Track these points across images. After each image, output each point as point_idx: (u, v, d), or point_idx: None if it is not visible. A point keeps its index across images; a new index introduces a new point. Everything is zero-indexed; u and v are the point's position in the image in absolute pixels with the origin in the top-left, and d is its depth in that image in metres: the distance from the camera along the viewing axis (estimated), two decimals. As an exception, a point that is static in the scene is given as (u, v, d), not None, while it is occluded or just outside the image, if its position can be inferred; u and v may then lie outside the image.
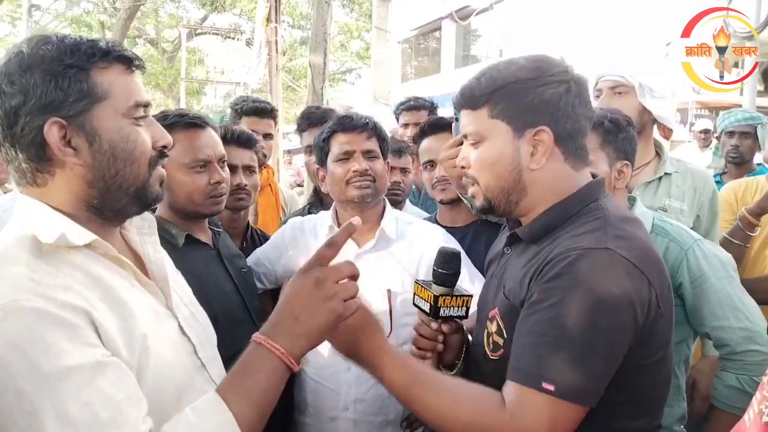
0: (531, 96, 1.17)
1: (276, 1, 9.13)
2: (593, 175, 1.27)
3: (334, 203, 1.94)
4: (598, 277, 1.08)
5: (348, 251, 1.84)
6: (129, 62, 1.02)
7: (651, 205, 2.01)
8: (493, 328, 1.25)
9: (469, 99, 1.24)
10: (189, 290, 1.24)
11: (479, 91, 1.21)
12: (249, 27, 18.40)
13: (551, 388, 1.05)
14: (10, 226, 1.00)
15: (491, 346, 1.25)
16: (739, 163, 3.40)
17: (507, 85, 1.18)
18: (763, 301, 1.81)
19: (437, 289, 1.33)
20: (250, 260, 1.99)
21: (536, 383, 1.06)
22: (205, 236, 1.77)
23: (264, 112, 2.87)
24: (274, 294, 2.09)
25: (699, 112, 11.00)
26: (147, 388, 0.93)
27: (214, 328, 1.24)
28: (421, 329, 1.37)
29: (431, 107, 3.28)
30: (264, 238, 2.26)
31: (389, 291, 1.79)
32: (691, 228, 1.92)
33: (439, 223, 2.07)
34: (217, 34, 21.83)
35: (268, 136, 2.86)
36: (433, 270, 1.35)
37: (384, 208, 1.91)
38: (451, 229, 2.00)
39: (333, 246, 1.05)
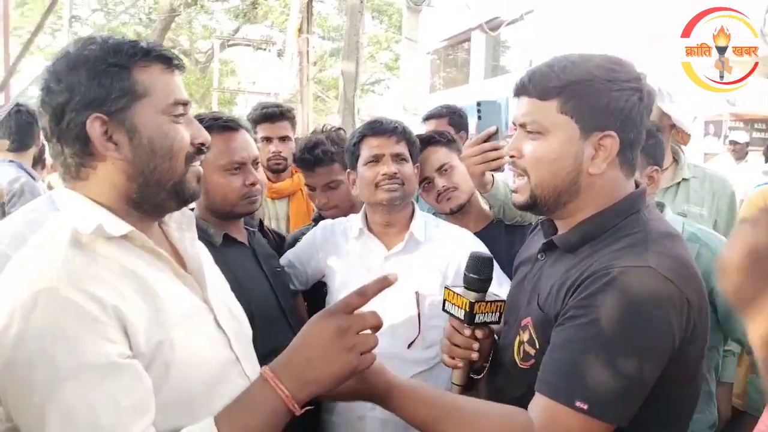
0: (605, 98, 1.12)
1: (308, 13, 9.30)
2: (636, 184, 1.23)
3: (364, 206, 1.98)
4: (639, 296, 1.04)
5: (377, 253, 1.87)
6: (169, 62, 1.05)
7: (671, 210, 2.01)
8: (525, 337, 1.21)
9: (538, 87, 1.16)
10: (227, 285, 1.26)
11: (552, 81, 1.14)
12: (280, 38, 18.68)
13: (584, 407, 1.02)
14: (54, 219, 1.04)
15: (521, 354, 1.22)
16: None
17: (582, 81, 1.12)
18: None
19: (472, 295, 1.32)
20: (282, 261, 2.03)
21: (569, 400, 1.03)
22: (241, 236, 1.82)
23: (274, 116, 2.78)
24: (305, 294, 2.12)
25: (734, 124, 10.78)
26: (174, 379, 0.96)
27: (250, 325, 1.26)
28: (455, 338, 1.33)
29: (449, 113, 3.29)
30: (277, 236, 2.30)
31: (417, 293, 1.81)
32: None
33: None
34: (249, 45, 22.17)
35: (284, 138, 2.79)
36: (465, 275, 1.34)
37: (413, 211, 1.94)
38: None
39: (363, 295, 1.04)
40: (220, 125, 1.73)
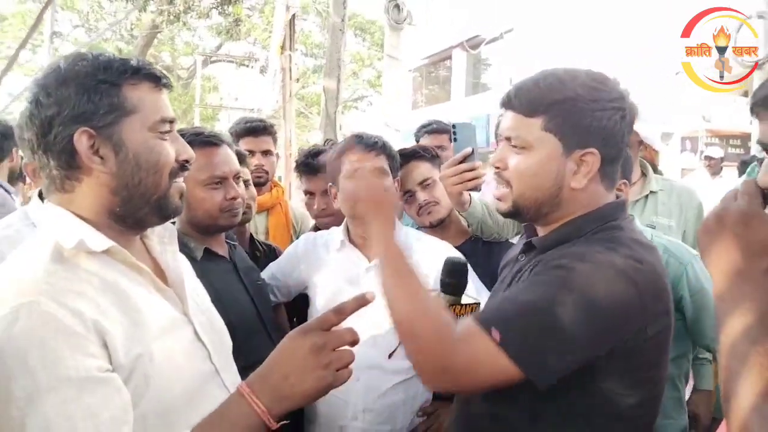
0: (588, 118, 1.16)
1: (291, 30, 9.35)
2: (617, 197, 1.28)
3: (345, 218, 2.01)
4: (595, 276, 1.09)
5: (359, 265, 1.90)
6: (157, 80, 1.08)
7: (640, 222, 2.06)
8: None
9: (524, 103, 1.21)
10: (207, 298, 1.28)
11: (538, 99, 1.19)
12: (263, 55, 18.73)
13: (497, 336, 1.06)
14: (37, 233, 1.06)
15: None
16: None
17: (567, 100, 1.17)
18: None
19: (448, 299, 1.37)
20: (265, 274, 2.05)
21: (487, 325, 1.08)
22: (222, 249, 1.84)
23: (257, 130, 2.82)
24: (288, 307, 2.14)
25: (710, 140, 11.03)
26: (153, 391, 0.97)
27: (230, 338, 1.27)
28: None
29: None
30: (267, 247, 2.33)
31: (398, 304, 1.84)
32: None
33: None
34: (232, 62, 22.21)
35: (267, 153, 2.83)
36: (441, 280, 1.39)
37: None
38: None
39: (340, 313, 1.04)
40: (202, 140, 1.75)
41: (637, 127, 2.15)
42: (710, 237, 0.87)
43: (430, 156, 2.17)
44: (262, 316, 1.82)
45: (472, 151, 1.78)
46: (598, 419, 1.14)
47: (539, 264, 1.19)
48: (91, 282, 0.97)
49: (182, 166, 1.11)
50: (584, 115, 1.16)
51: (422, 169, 2.12)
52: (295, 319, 2.21)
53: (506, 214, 1.29)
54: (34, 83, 1.04)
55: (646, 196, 2.25)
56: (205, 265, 1.71)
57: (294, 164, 2.55)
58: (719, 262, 0.84)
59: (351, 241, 1.96)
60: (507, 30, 13.77)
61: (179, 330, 1.09)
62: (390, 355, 1.80)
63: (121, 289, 1.00)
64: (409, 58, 18.10)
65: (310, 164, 2.37)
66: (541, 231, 1.29)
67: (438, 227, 2.12)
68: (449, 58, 17.64)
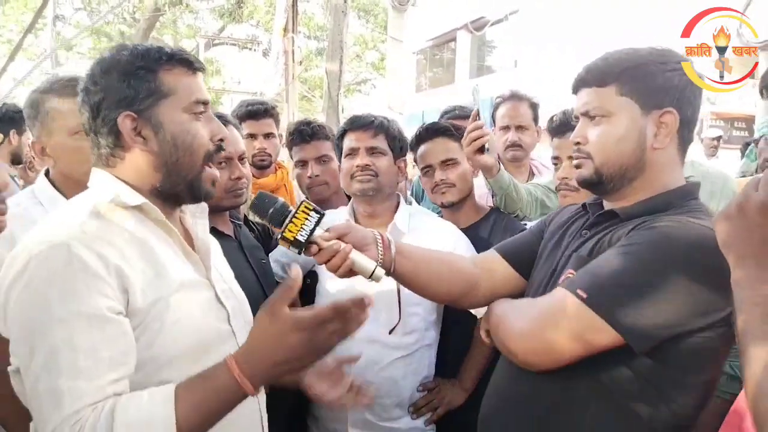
0: (660, 78, 1.21)
1: (294, 12, 9.31)
2: (686, 179, 1.30)
3: (352, 198, 2.05)
4: (690, 240, 1.09)
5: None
6: (190, 64, 1.19)
7: None
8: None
9: (596, 76, 1.25)
10: (231, 274, 1.38)
11: (608, 68, 1.24)
12: (266, 38, 18.65)
13: (584, 295, 1.10)
14: (83, 194, 1.18)
15: None
16: None
17: (637, 65, 1.22)
18: None
19: (285, 233, 1.27)
20: (275, 252, 2.09)
21: (572, 286, 1.13)
22: (227, 228, 1.87)
23: (258, 113, 2.83)
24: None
25: (714, 123, 10.99)
26: (167, 335, 1.07)
27: None
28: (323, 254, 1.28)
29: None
30: (262, 227, 2.32)
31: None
32: None
33: None
34: (235, 45, 22.13)
35: (269, 135, 2.85)
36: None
37: (399, 203, 2.01)
38: None
39: (335, 311, 1.02)
40: None
41: None
42: (730, 224, 0.89)
43: (459, 135, 2.14)
44: (267, 295, 1.85)
45: (477, 111, 1.94)
46: (672, 391, 1.13)
47: (632, 231, 1.17)
48: (121, 235, 1.09)
49: (218, 147, 1.22)
50: (656, 76, 1.21)
51: (448, 147, 2.12)
52: (304, 296, 2.23)
53: (585, 183, 1.29)
54: (86, 74, 1.17)
55: None
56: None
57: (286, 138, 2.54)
58: (738, 249, 0.87)
59: (357, 220, 1.99)
60: (512, 11, 13.67)
61: (199, 289, 1.19)
62: (390, 331, 1.84)
63: (149, 245, 1.11)
64: (413, 40, 18.01)
65: (303, 131, 2.40)
66: (617, 204, 1.28)
67: (451, 208, 2.14)
68: (453, 40, 17.54)
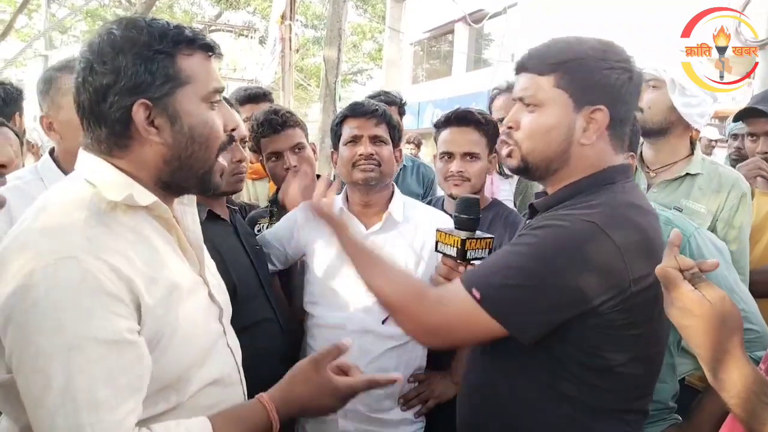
0: (597, 75, 1.22)
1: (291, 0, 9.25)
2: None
3: (345, 186, 2.03)
4: (572, 237, 1.15)
5: (357, 232, 1.92)
6: (211, 50, 1.09)
7: (666, 204, 2.01)
8: None
9: (537, 63, 1.27)
10: (213, 263, 1.30)
11: (550, 58, 1.25)
12: (262, 25, 18.53)
13: (477, 295, 1.15)
14: (69, 182, 1.06)
15: None
16: None
17: (577, 59, 1.23)
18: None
19: (463, 234, 1.41)
20: (259, 241, 2.06)
21: (468, 285, 1.18)
22: (224, 213, 1.86)
23: (257, 97, 2.90)
24: (281, 275, 2.16)
25: (711, 121, 11.00)
26: (177, 347, 1.02)
27: (232, 298, 1.31)
28: (451, 275, 1.42)
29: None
30: (249, 210, 2.33)
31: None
32: (711, 231, 1.93)
33: (445, 211, 2.14)
34: (231, 32, 21.97)
35: None
36: (455, 217, 1.44)
37: (393, 192, 1.99)
38: None
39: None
40: None
41: (676, 101, 2.07)
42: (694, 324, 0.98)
43: (490, 129, 2.10)
44: (261, 280, 1.84)
45: None
46: (587, 373, 1.19)
47: (527, 226, 1.26)
48: (126, 237, 1.00)
49: (230, 137, 1.14)
50: (593, 73, 1.22)
51: (472, 139, 2.08)
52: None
53: (515, 170, 1.34)
54: (87, 48, 1.03)
55: (683, 177, 2.13)
56: (209, 227, 1.71)
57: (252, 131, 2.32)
58: (709, 351, 0.97)
59: (349, 208, 1.97)
60: (510, 5, 13.62)
61: (198, 291, 1.13)
62: (384, 321, 1.83)
63: (153, 246, 1.04)
64: (411, 31, 17.94)
65: (273, 120, 2.21)
66: (548, 192, 1.34)
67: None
68: (451, 32, 17.47)
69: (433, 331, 1.22)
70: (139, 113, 1.01)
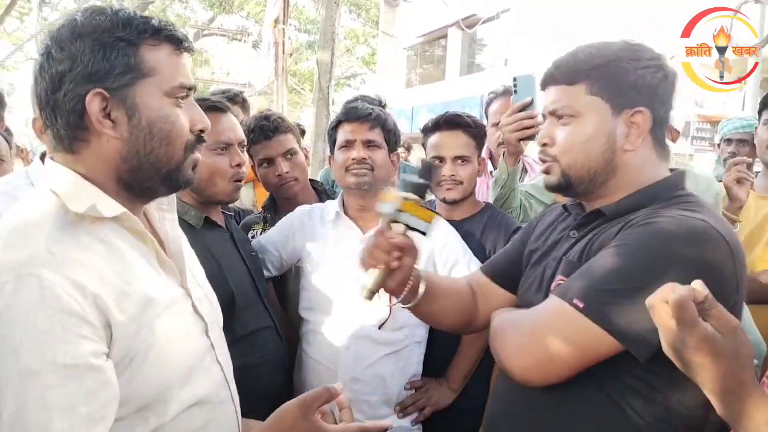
0: (632, 76, 1.15)
1: (285, 3, 9.25)
2: (670, 170, 1.24)
3: (342, 190, 2.01)
4: (682, 236, 1.03)
5: (353, 236, 1.90)
6: (179, 43, 1.01)
7: None
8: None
9: (565, 73, 1.19)
10: (202, 271, 1.22)
11: (578, 65, 1.18)
12: (256, 29, 18.51)
13: (580, 305, 1.04)
14: (36, 192, 1.00)
15: None
16: None
17: (608, 62, 1.16)
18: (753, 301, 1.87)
19: (405, 195, 1.24)
20: (254, 246, 2.04)
21: (569, 297, 1.07)
22: (220, 219, 1.84)
23: (228, 100, 2.76)
24: (274, 282, 2.14)
25: (701, 125, 11.07)
26: (151, 366, 0.94)
27: (230, 306, 1.26)
28: (380, 239, 1.24)
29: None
30: (243, 216, 2.30)
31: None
32: None
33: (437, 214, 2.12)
34: (224, 36, 21.98)
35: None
36: (408, 181, 1.27)
37: None
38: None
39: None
40: (208, 105, 1.72)
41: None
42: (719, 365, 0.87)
43: (479, 133, 2.08)
44: (258, 287, 1.82)
45: (531, 100, 1.86)
46: (672, 390, 1.08)
47: (621, 230, 1.12)
48: (94, 249, 0.92)
49: (198, 137, 1.06)
50: (628, 74, 1.15)
51: (462, 142, 2.05)
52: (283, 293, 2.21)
53: (554, 187, 1.24)
54: (48, 35, 0.97)
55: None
56: (205, 234, 1.71)
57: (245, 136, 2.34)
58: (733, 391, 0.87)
59: (346, 213, 1.95)
60: (504, 10, 13.67)
61: (179, 305, 1.05)
62: (380, 326, 1.81)
63: (126, 260, 0.96)
64: (404, 35, 17.97)
65: (264, 126, 2.16)
66: (597, 204, 1.23)
67: (451, 204, 2.09)
68: (444, 36, 17.51)
69: (542, 364, 1.09)
70: (93, 103, 0.94)
